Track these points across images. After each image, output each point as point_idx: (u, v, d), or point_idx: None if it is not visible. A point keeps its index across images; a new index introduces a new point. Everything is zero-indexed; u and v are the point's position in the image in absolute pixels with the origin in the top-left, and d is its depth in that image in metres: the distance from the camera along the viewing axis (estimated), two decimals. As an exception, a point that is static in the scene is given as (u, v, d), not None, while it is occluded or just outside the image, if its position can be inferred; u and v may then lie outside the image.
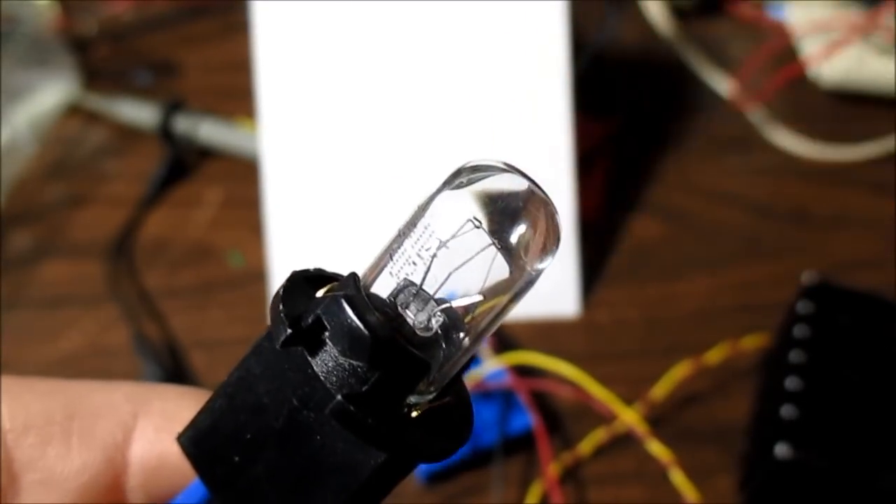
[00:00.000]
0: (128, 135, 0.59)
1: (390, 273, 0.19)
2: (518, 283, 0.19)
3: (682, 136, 0.60)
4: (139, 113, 0.58)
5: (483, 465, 0.44)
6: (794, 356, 0.42)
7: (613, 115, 0.60)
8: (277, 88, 0.51)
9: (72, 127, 0.60)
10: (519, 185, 0.19)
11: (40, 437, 0.22)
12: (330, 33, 0.51)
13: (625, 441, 0.45)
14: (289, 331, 0.18)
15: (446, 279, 0.19)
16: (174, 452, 0.21)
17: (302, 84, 0.51)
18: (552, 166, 0.50)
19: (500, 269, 0.19)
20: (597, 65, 0.61)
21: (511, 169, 0.19)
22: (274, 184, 0.51)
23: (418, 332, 0.19)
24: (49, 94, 0.59)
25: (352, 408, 0.18)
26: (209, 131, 0.57)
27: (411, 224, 0.19)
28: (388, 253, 0.19)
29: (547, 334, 0.49)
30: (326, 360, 0.18)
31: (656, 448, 0.44)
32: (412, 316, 0.19)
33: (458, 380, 0.20)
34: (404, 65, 0.51)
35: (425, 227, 0.19)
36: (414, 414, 0.19)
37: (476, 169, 0.19)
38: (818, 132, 0.59)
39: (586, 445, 0.45)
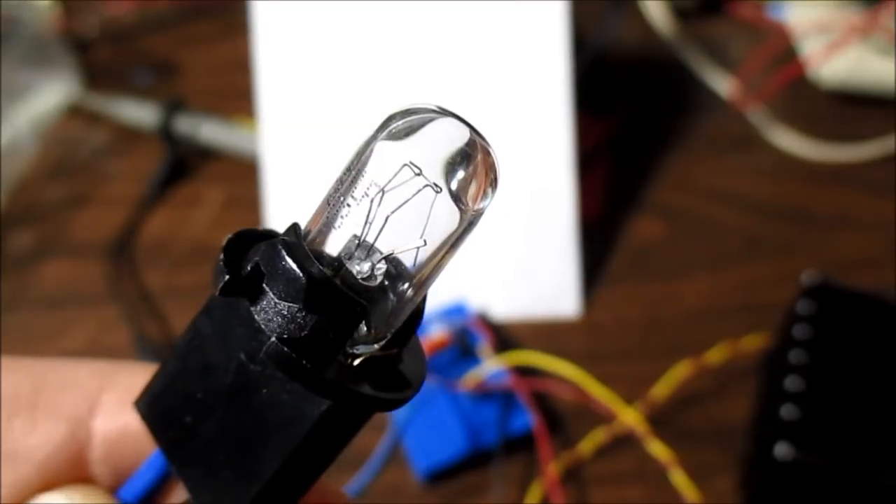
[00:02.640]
0: (128, 135, 0.59)
1: (331, 222, 0.19)
2: (459, 226, 0.19)
3: (682, 136, 0.60)
4: (140, 113, 0.58)
5: (483, 465, 0.44)
6: (795, 356, 0.42)
7: (613, 115, 0.60)
8: (277, 88, 0.51)
9: (73, 127, 0.60)
10: (455, 126, 0.19)
11: (7, 411, 0.22)
12: (330, 33, 0.51)
13: (625, 441, 0.45)
14: (226, 277, 0.18)
15: (384, 223, 0.18)
16: (136, 424, 0.21)
17: (302, 84, 0.51)
18: (552, 166, 0.50)
19: (440, 213, 0.18)
20: (597, 65, 0.61)
21: (445, 112, 0.19)
22: (274, 184, 0.51)
23: (361, 281, 0.19)
24: (50, 95, 0.60)
25: (286, 349, 0.17)
26: (209, 131, 0.57)
27: (349, 171, 0.19)
28: (328, 201, 0.19)
29: (547, 334, 0.49)
30: (266, 308, 0.18)
31: (656, 448, 0.44)
32: (355, 265, 0.19)
33: (409, 333, 0.20)
34: (404, 65, 0.51)
35: (363, 175, 0.19)
36: (356, 363, 0.19)
37: (409, 112, 0.19)
38: (818, 132, 0.59)
39: (586, 445, 0.45)
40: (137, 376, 0.23)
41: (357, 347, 0.19)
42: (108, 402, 0.23)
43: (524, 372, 0.46)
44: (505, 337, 0.49)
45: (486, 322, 0.49)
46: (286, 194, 0.51)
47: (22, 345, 0.49)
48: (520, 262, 0.50)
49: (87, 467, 0.23)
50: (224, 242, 0.19)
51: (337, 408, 0.18)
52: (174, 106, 0.57)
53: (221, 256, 0.18)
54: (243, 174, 0.55)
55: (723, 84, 0.62)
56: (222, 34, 0.64)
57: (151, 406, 0.21)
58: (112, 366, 0.23)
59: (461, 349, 0.47)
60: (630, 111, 0.61)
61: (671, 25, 0.65)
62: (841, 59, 0.61)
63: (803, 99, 0.62)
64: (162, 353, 0.48)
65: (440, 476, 0.44)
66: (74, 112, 0.60)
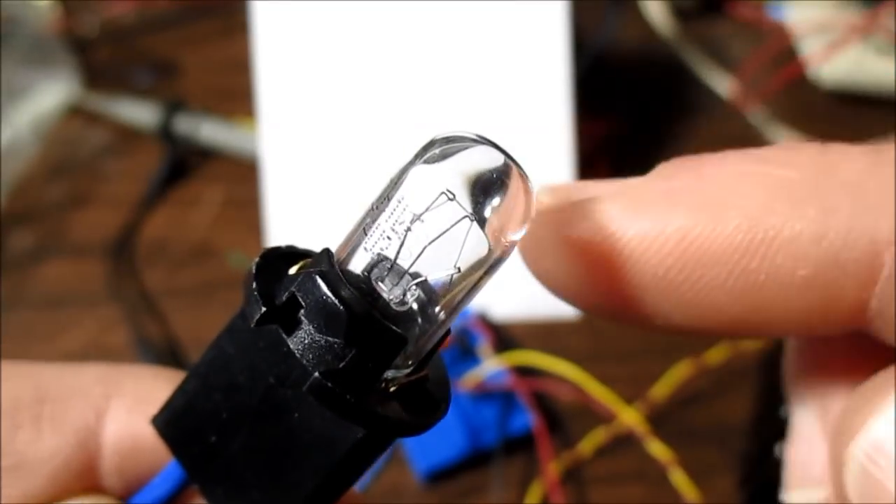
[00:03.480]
0: (128, 135, 0.59)
1: (364, 248, 0.19)
2: (493, 255, 0.19)
3: (682, 136, 0.60)
4: (139, 113, 0.58)
5: (483, 465, 0.44)
6: (794, 356, 0.42)
7: (613, 115, 0.60)
8: (277, 88, 0.51)
9: (73, 127, 0.60)
10: (493, 157, 0.18)
11: (10, 422, 0.21)
12: (329, 34, 0.51)
13: (625, 441, 0.45)
14: (263, 309, 0.18)
15: (421, 253, 0.18)
16: (148, 434, 0.21)
17: (301, 84, 0.51)
18: (552, 166, 0.50)
19: (474, 242, 0.18)
20: (597, 65, 0.61)
21: (484, 141, 0.18)
22: (274, 184, 0.51)
23: (393, 306, 0.19)
24: (50, 95, 0.59)
25: (329, 384, 0.17)
26: (209, 131, 0.57)
27: (384, 198, 0.19)
28: (362, 227, 0.19)
29: (547, 334, 0.49)
30: (302, 338, 0.18)
31: (656, 448, 0.44)
32: (386, 291, 0.19)
33: (433, 354, 0.20)
34: (404, 65, 0.51)
35: (399, 201, 0.18)
36: (392, 389, 0.19)
37: (449, 140, 0.19)
38: (818, 132, 0.59)
39: (586, 445, 0.45)
40: (144, 383, 0.22)
41: (389, 372, 0.19)
42: (117, 411, 0.22)
43: (524, 372, 0.46)
44: (505, 337, 0.49)
45: (486, 322, 0.48)
46: (286, 194, 0.51)
47: (22, 345, 0.49)
48: (520, 262, 0.50)
49: (97, 477, 0.22)
50: (253, 269, 0.19)
51: (371, 434, 0.18)
52: (174, 106, 0.57)
53: (254, 286, 0.18)
54: (243, 174, 0.55)
55: (723, 84, 0.62)
56: (222, 34, 0.64)
57: (170, 424, 0.21)
58: (117, 371, 0.23)
59: (461, 349, 0.47)
60: (630, 111, 0.61)
61: (671, 25, 0.65)
62: (841, 59, 0.61)
63: (803, 99, 0.62)
64: (162, 353, 0.48)
65: (440, 476, 0.44)
66: (74, 112, 0.60)
